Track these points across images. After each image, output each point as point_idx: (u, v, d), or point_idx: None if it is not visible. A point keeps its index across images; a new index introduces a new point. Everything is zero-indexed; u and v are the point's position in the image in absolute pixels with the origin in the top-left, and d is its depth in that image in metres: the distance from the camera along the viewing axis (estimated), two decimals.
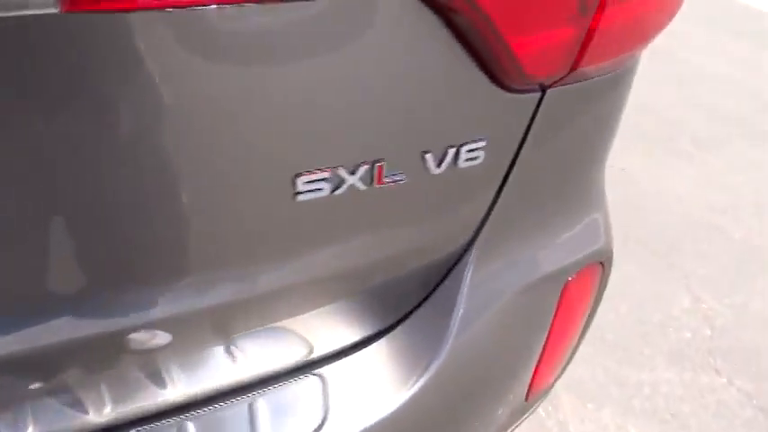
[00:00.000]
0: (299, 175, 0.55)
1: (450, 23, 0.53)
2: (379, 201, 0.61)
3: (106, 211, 0.51)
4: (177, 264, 0.57)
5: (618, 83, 0.71)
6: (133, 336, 0.59)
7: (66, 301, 0.55)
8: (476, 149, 0.62)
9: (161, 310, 0.58)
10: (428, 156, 0.60)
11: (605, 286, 0.86)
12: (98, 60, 0.44)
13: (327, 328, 0.71)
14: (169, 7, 0.44)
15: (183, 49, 0.46)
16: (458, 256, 0.72)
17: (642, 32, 0.66)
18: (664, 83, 3.33)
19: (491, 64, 0.57)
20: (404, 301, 0.73)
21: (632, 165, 2.59)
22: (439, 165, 0.61)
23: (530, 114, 0.64)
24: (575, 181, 0.76)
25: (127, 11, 0.43)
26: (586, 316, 0.86)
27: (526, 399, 0.86)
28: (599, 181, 0.82)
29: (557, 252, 0.77)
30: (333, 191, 0.57)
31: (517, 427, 0.91)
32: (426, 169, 0.60)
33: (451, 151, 0.61)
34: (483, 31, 0.53)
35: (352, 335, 0.72)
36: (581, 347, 1.76)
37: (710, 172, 2.62)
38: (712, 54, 3.80)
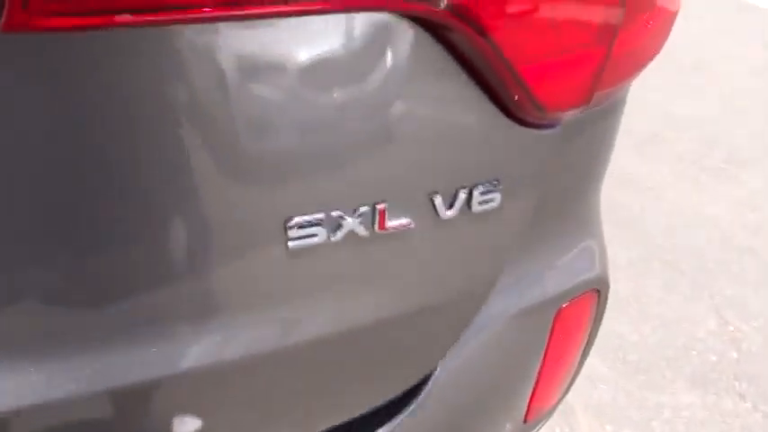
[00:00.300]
0: (290, 219, 0.50)
1: (461, 56, 0.51)
2: (385, 249, 0.56)
3: (83, 272, 0.48)
4: (158, 321, 0.52)
5: (616, 109, 0.72)
6: (108, 402, 0.53)
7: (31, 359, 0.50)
8: (491, 191, 0.58)
9: (142, 373, 0.52)
10: (437, 198, 0.55)
11: (603, 313, 0.88)
12: (54, 92, 0.40)
13: (326, 401, 0.65)
14: (142, 23, 0.39)
15: (154, 76, 0.42)
16: (472, 314, 0.67)
17: (644, 57, 0.67)
18: (704, 98, 3.28)
19: (503, 96, 0.54)
20: (415, 367, 0.68)
21: (662, 182, 2.56)
22: (449, 208, 0.56)
23: (548, 150, 0.61)
24: (574, 210, 0.78)
25: (83, 28, 0.38)
26: (584, 342, 0.88)
27: (525, 421, 0.87)
28: (596, 209, 0.83)
29: (552, 279, 0.78)
30: (329, 237, 0.52)
31: None
32: (436, 213, 0.56)
33: (463, 193, 0.56)
34: (494, 62, 0.51)
35: (355, 408, 0.67)
36: (601, 368, 1.75)
37: (744, 191, 2.56)
38: (757, 70, 3.72)
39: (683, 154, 2.79)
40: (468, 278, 0.64)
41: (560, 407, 1.57)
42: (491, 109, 0.54)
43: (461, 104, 0.53)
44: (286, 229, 0.50)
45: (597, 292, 0.83)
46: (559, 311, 0.78)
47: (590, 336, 0.89)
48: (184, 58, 0.43)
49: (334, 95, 0.48)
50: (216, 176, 0.48)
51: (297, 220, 0.50)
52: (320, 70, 0.47)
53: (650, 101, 3.07)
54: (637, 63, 0.66)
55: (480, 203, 0.57)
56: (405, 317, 0.62)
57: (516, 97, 0.54)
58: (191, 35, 0.42)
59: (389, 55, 0.49)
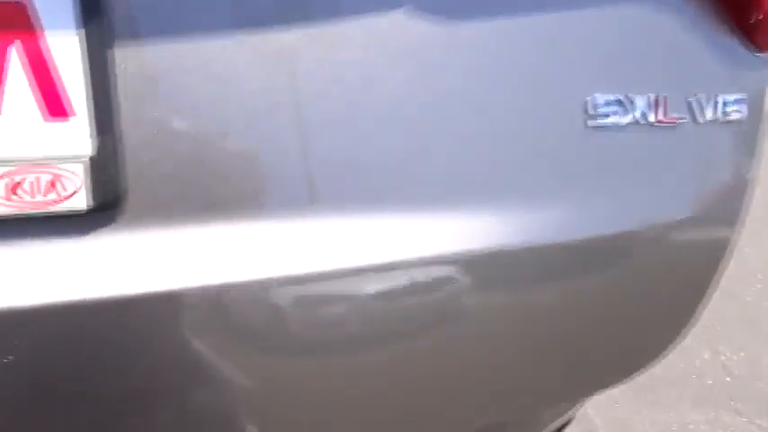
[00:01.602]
0: (594, 95, 0.53)
1: None
2: (659, 143, 0.58)
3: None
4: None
5: None
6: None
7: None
8: (738, 101, 0.62)
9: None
10: (698, 100, 0.59)
11: None
12: None
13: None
14: None
15: None
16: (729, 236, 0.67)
17: None
18: None
19: (742, 19, 0.60)
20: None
21: None
22: (706, 112, 0.59)
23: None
24: None
25: None
26: None
27: None
28: None
29: None
30: (622, 119, 0.55)
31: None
32: (700, 113, 0.59)
33: (719, 100, 0.60)
34: None
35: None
36: (615, 389, 1.99)
37: None
38: None
39: None
40: (719, 195, 0.66)
41: (583, 422, 1.82)
42: (734, 33, 0.61)
43: (715, 28, 0.60)
44: (586, 107, 0.53)
45: None
46: None
47: None
48: None
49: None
50: (523, 55, 0.52)
51: (598, 98, 0.53)
52: None
53: None
54: None
55: (730, 112, 0.62)
56: (672, 224, 0.63)
57: (753, 19, 0.60)
58: None
59: None
